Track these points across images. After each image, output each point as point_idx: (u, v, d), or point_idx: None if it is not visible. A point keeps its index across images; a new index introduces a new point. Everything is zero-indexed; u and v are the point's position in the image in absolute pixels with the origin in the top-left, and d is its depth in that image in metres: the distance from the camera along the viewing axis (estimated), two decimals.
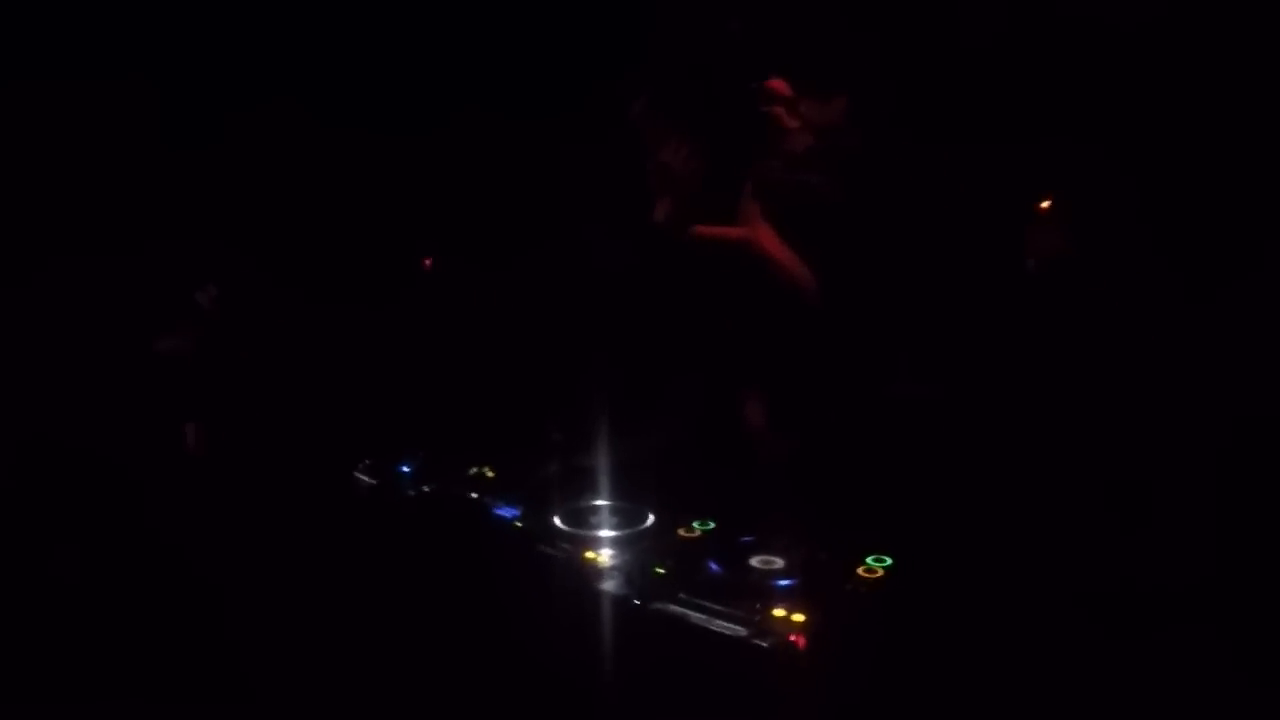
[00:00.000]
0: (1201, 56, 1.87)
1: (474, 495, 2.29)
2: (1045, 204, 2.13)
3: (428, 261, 3.08)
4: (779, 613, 1.69)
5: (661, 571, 1.86)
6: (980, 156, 2.13)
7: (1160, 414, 1.84)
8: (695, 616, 1.74)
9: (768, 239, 2.28)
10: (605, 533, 2.03)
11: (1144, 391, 1.87)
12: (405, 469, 2.45)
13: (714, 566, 1.88)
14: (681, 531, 2.02)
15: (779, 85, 2.26)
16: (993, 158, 2.12)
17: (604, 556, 1.95)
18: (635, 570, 1.88)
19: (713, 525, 2.04)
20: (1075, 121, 2.00)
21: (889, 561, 1.79)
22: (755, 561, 1.86)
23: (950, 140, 2.16)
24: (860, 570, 1.78)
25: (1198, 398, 1.82)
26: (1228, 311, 1.83)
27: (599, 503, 2.15)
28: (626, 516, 2.09)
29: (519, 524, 2.16)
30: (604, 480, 2.22)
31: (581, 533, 2.03)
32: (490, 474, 2.37)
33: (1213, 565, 1.74)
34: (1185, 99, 1.89)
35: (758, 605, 1.72)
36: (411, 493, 2.37)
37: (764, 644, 1.64)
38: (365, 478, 2.47)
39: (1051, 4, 2.00)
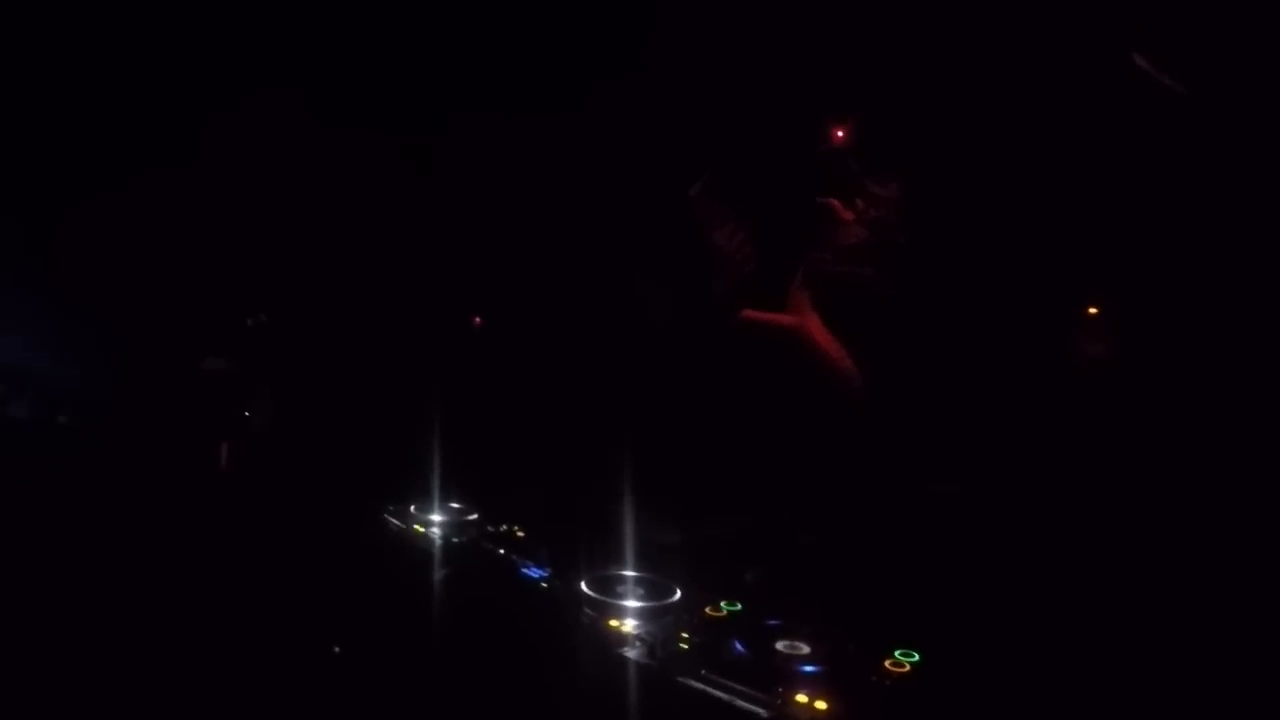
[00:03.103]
0: (1254, 170, 1.91)
1: (502, 552, 2.31)
2: (1093, 310, 2.15)
3: (477, 319, 3.13)
4: (802, 698, 1.67)
5: (685, 646, 1.86)
6: (1032, 259, 2.15)
7: (1201, 519, 1.83)
8: (716, 693, 1.73)
9: (815, 328, 2.30)
10: (631, 603, 2.03)
11: (1183, 499, 1.86)
12: (437, 517, 2.47)
13: (739, 647, 1.86)
14: (708, 610, 2.02)
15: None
16: (1042, 262, 2.15)
17: (628, 625, 1.95)
18: (659, 641, 1.87)
19: (740, 606, 2.03)
20: (1126, 228, 2.03)
21: (917, 657, 1.77)
22: (781, 646, 1.84)
23: (1003, 240, 2.19)
24: (887, 663, 1.76)
25: (1242, 508, 1.81)
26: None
27: (627, 573, 2.16)
28: (654, 589, 2.09)
29: (545, 585, 2.16)
30: (634, 551, 2.23)
31: (608, 600, 2.03)
32: (520, 533, 2.38)
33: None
34: (1236, 210, 1.92)
35: (780, 689, 1.70)
36: (440, 542, 2.38)
37: None
38: (394, 521, 2.49)
39: (1105, 114, 2.05)
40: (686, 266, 2.50)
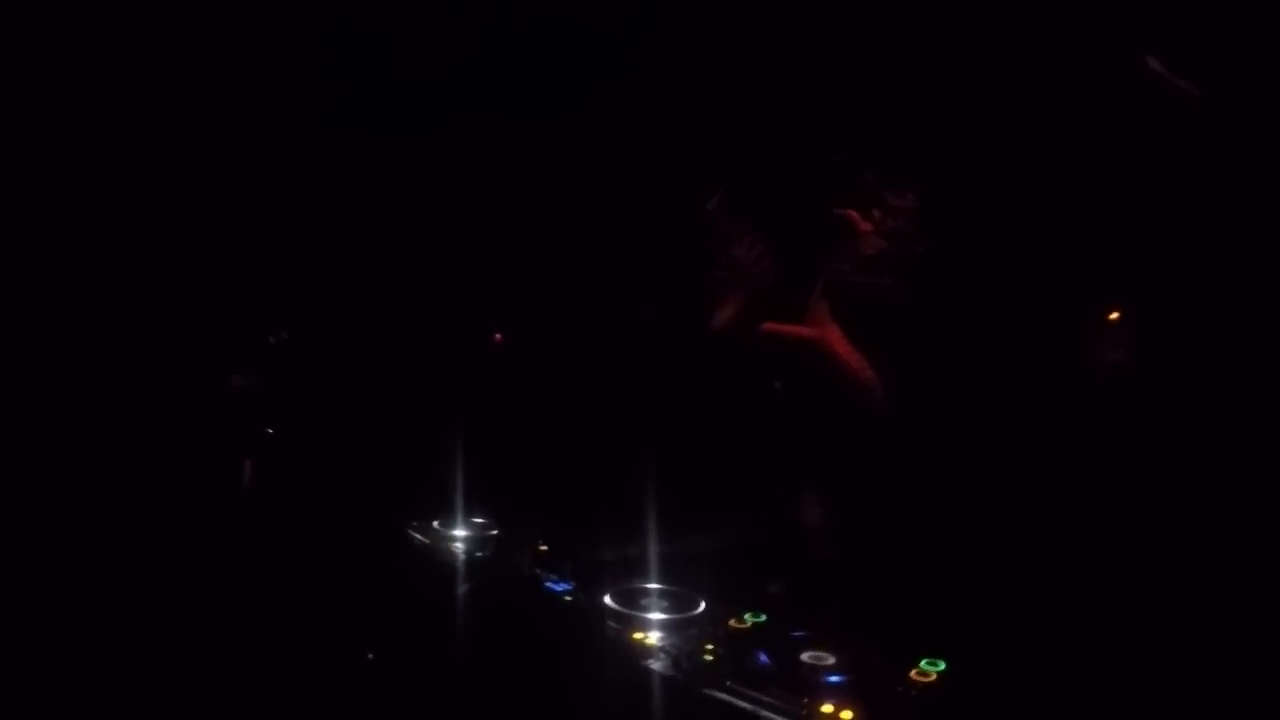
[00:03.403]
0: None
1: (525, 566, 2.32)
2: (1114, 315, 2.14)
3: (499, 336, 3.15)
4: (827, 708, 1.67)
5: (710, 658, 1.86)
6: (1050, 266, 2.15)
7: (1226, 525, 1.82)
8: (741, 704, 1.73)
9: (835, 340, 2.31)
10: (655, 615, 2.03)
11: (1207, 505, 1.84)
12: (460, 533, 2.48)
13: (763, 658, 1.86)
14: (733, 622, 2.01)
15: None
16: (1062, 267, 2.14)
17: (652, 638, 1.95)
18: (684, 654, 1.87)
19: (765, 618, 2.02)
20: (1146, 233, 2.02)
21: (943, 666, 1.76)
22: (806, 656, 1.84)
23: (1021, 248, 2.19)
24: (913, 673, 1.75)
25: (1266, 511, 1.79)
26: None
27: (651, 585, 2.16)
28: (678, 601, 2.09)
29: (569, 599, 2.17)
30: (657, 564, 2.23)
31: (632, 613, 2.03)
32: (544, 547, 2.39)
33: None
34: (1255, 212, 1.91)
35: (805, 699, 1.70)
36: (464, 557, 2.39)
37: None
38: (418, 536, 2.51)
39: (1122, 120, 2.05)
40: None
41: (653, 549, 2.27)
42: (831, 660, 1.82)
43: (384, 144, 3.23)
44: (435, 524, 2.55)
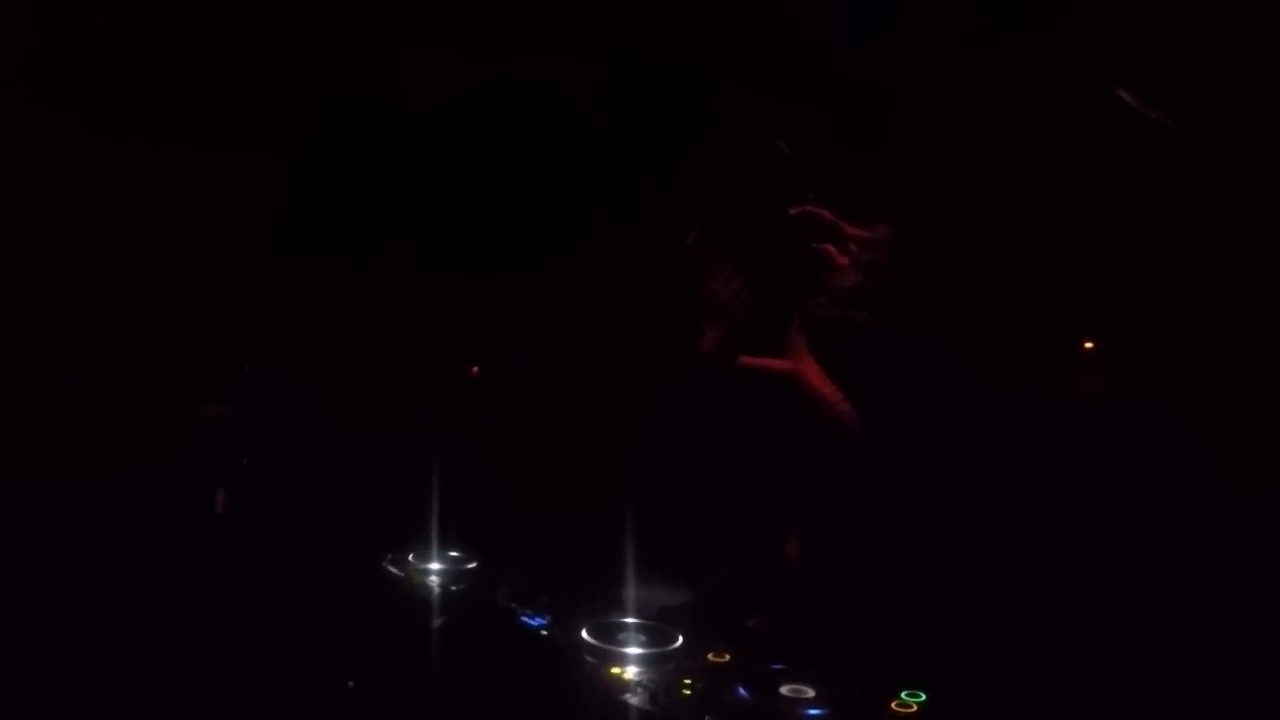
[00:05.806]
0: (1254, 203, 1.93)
1: (502, 600, 2.29)
2: (1089, 345, 2.16)
3: (475, 369, 3.13)
4: None
5: (688, 692, 1.84)
6: (1026, 294, 2.17)
7: (1209, 554, 1.83)
8: None
9: (813, 374, 2.31)
10: (632, 650, 2.01)
11: (1187, 535, 1.85)
12: (435, 566, 2.45)
13: (742, 692, 1.84)
14: (711, 656, 2.00)
15: (819, 212, 2.33)
16: (1039, 295, 2.16)
17: (630, 673, 1.93)
18: (661, 688, 1.85)
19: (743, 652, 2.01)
20: (1123, 260, 2.04)
21: (923, 697, 1.76)
22: (785, 690, 1.83)
23: (996, 277, 2.20)
24: (894, 704, 1.74)
25: (1247, 541, 1.81)
26: None
27: (629, 619, 2.14)
28: (655, 635, 2.07)
29: (544, 633, 2.14)
30: (634, 598, 2.21)
31: (609, 647, 2.01)
32: (520, 580, 2.36)
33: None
34: (1233, 239, 1.93)
35: None
36: (439, 590, 2.37)
37: None
38: (393, 569, 2.47)
39: (1095, 148, 2.07)
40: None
41: (632, 582, 2.25)
42: (811, 693, 1.81)
43: (362, 169, 3.22)
44: (410, 557, 2.52)
